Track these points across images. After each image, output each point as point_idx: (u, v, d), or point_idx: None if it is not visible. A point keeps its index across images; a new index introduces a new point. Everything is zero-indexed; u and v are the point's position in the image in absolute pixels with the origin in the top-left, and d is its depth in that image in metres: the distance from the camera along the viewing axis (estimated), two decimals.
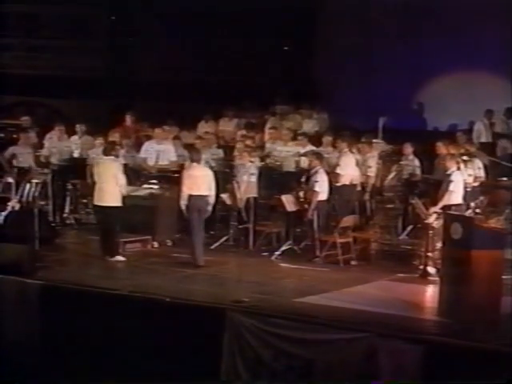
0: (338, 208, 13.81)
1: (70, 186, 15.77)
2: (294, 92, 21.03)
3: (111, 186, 12.93)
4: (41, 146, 16.28)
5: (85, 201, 15.85)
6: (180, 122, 17.31)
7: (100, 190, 13.01)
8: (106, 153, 13.36)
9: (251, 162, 14.22)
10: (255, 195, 14.13)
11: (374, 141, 15.98)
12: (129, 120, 17.39)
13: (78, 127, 16.69)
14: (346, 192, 14.05)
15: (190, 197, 12.65)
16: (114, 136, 15.31)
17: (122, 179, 13.06)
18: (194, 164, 13.02)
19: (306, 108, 19.61)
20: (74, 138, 16.62)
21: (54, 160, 15.98)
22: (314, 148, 15.06)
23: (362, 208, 14.41)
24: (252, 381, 10.14)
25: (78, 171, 15.68)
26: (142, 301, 10.83)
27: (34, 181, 14.17)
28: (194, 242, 12.77)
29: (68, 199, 15.77)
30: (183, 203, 12.73)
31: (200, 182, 12.75)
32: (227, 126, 18.88)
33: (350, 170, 14.19)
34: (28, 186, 13.97)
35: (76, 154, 16.33)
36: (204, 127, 18.16)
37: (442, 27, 21.23)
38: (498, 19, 20.49)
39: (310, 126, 18.87)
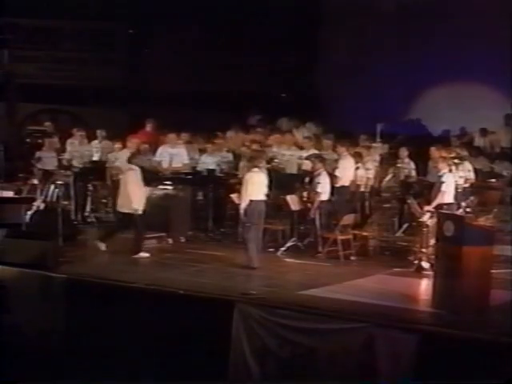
0: (339, 207, 13.76)
1: (90, 187, 15.78)
2: (295, 101, 21.03)
3: (135, 192, 12.84)
4: (63, 150, 16.31)
5: (104, 201, 15.90)
6: (194, 129, 17.31)
7: (124, 195, 12.91)
8: (130, 160, 13.26)
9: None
10: None
11: (374, 144, 15.96)
12: (149, 127, 17.36)
13: (99, 133, 16.73)
14: (346, 192, 14.03)
15: (251, 201, 12.25)
16: (133, 142, 15.23)
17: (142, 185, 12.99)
18: (256, 169, 12.56)
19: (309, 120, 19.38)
20: (95, 142, 16.66)
21: (75, 163, 16.01)
22: (316, 152, 15.03)
23: (362, 207, 14.38)
24: (259, 369, 10.11)
25: (98, 173, 15.70)
26: (157, 293, 10.81)
27: (58, 182, 14.16)
28: (251, 245, 12.25)
29: (89, 199, 15.78)
30: (244, 207, 12.26)
31: (260, 187, 12.42)
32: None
33: (349, 172, 14.16)
34: (52, 187, 13.96)
35: (96, 158, 16.35)
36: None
37: (437, 38, 21.17)
38: (490, 29, 20.42)
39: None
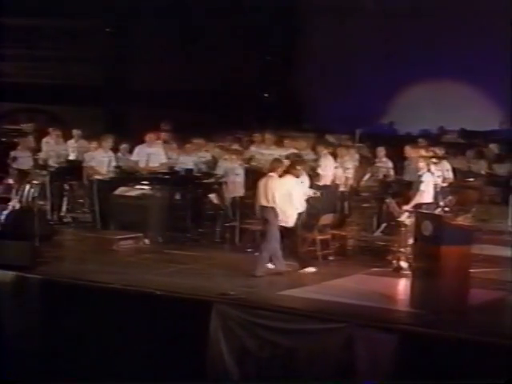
0: (320, 207, 13.76)
1: (67, 187, 15.72)
2: (278, 101, 21.07)
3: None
4: (39, 149, 16.25)
5: (81, 201, 15.84)
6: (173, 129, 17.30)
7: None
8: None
9: (239, 163, 14.22)
10: (242, 195, 14.12)
11: (358, 144, 16.02)
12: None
13: (75, 132, 16.69)
14: (325, 192, 14.04)
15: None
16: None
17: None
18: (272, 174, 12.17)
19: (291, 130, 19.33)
20: (71, 141, 16.62)
21: (51, 163, 15.94)
22: (295, 151, 15.04)
23: (340, 207, 14.42)
24: (238, 369, 10.11)
25: (74, 173, 15.63)
26: (134, 294, 10.78)
27: (34, 182, 14.08)
28: (272, 251, 11.90)
29: (65, 199, 15.72)
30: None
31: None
32: None
33: (329, 171, 14.18)
34: (28, 186, 13.87)
35: (72, 157, 16.31)
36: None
37: (417, 36, 21.27)
38: (469, 28, 20.54)
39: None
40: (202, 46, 22.63)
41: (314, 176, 13.76)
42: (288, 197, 11.87)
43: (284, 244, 12.05)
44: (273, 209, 11.83)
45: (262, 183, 12.03)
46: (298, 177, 12.14)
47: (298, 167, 12.21)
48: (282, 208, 11.82)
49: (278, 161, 12.51)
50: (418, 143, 15.79)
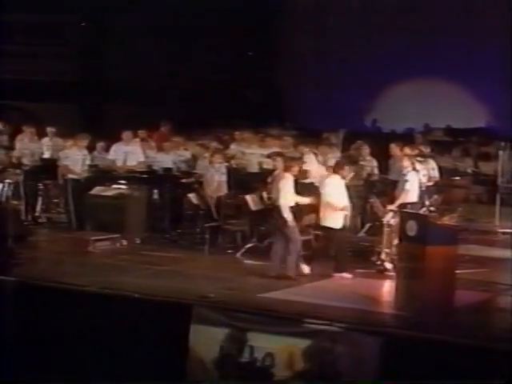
0: (304, 206, 13.74)
1: (41, 186, 15.64)
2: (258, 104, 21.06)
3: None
4: (12, 147, 16.15)
5: (56, 200, 15.76)
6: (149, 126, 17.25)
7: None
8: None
9: (221, 162, 14.22)
10: (223, 194, 14.12)
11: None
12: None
13: (49, 130, 16.60)
14: (308, 190, 14.01)
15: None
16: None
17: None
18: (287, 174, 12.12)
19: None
20: (45, 139, 16.52)
21: (25, 161, 15.84)
22: (278, 149, 15.03)
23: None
24: (217, 373, 10.10)
25: (49, 172, 15.54)
26: (111, 297, 10.73)
27: (7, 181, 13.99)
28: (294, 252, 11.86)
29: (40, 199, 15.63)
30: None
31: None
32: None
33: (312, 169, 14.18)
34: (1, 186, 13.80)
35: (47, 155, 16.21)
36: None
37: (400, 34, 21.36)
38: (452, 26, 20.65)
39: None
40: (182, 43, 22.59)
41: (302, 174, 13.76)
42: (335, 197, 11.79)
43: (323, 246, 12.15)
44: (292, 209, 11.81)
45: (281, 183, 11.92)
46: (344, 178, 12.11)
47: (347, 167, 12.21)
48: (325, 208, 11.80)
49: (294, 160, 12.56)
50: (412, 140, 15.80)
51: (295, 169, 12.08)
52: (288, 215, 11.76)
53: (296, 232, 11.84)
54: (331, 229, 11.95)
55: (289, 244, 11.79)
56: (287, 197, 11.83)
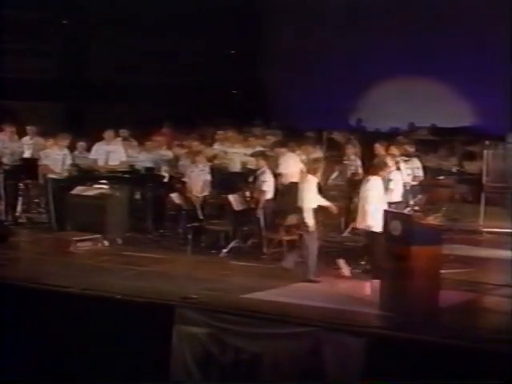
0: (286, 206, 13.78)
1: (22, 186, 15.59)
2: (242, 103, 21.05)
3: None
4: None
5: (37, 200, 15.72)
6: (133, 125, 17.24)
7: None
8: None
9: (204, 162, 14.25)
10: (208, 194, 14.16)
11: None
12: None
13: (29, 129, 16.55)
14: (290, 191, 14.04)
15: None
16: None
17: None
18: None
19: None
20: (26, 139, 16.47)
21: (5, 160, 15.78)
22: (261, 149, 15.06)
23: None
24: (201, 375, 10.11)
25: (29, 171, 15.49)
26: (93, 298, 10.71)
27: None
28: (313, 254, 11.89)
29: (20, 199, 15.58)
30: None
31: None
32: None
33: (291, 170, 14.19)
34: None
35: (27, 155, 16.16)
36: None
37: (386, 33, 21.43)
38: (438, 25, 20.73)
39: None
40: (166, 42, 22.58)
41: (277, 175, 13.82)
42: (375, 199, 11.60)
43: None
44: (314, 212, 11.76)
45: (305, 186, 11.87)
46: (384, 178, 12.03)
47: (386, 169, 12.09)
48: (365, 211, 11.62)
49: (318, 161, 12.51)
50: (394, 141, 15.84)
51: (318, 171, 12.08)
52: (310, 220, 11.71)
53: (314, 238, 11.76)
54: (373, 232, 11.54)
55: (303, 249, 11.77)
56: (311, 200, 11.78)
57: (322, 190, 12.62)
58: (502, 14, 19.99)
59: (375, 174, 11.81)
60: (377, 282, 10.86)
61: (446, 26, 20.80)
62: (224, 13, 22.56)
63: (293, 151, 14.63)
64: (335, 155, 16.04)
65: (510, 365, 8.52)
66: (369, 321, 10.03)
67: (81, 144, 15.89)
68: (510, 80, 19.22)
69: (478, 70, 20.37)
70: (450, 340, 9.09)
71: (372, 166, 12.15)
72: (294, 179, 14.10)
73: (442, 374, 8.79)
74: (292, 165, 14.26)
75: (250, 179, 13.70)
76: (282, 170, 14.07)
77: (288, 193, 13.97)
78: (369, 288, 11.36)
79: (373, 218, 11.40)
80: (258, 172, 13.55)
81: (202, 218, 13.80)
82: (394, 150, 13.76)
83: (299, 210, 11.91)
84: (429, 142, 18.66)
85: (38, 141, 16.31)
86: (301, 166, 14.31)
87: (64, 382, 10.48)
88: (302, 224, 11.80)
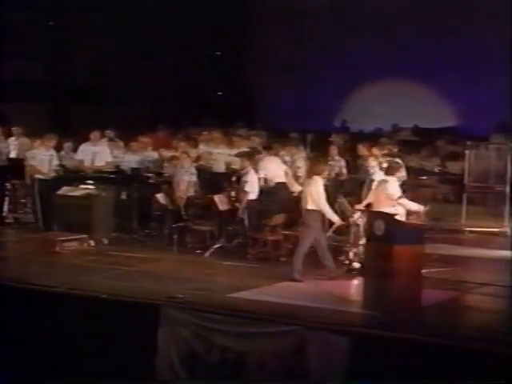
0: (271, 206, 13.83)
1: (8, 186, 15.59)
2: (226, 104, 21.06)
3: None
4: None
5: (23, 200, 15.72)
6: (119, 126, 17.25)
7: None
8: None
9: (190, 162, 14.28)
10: (193, 194, 14.18)
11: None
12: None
13: (14, 130, 16.56)
14: (275, 191, 14.10)
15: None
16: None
17: None
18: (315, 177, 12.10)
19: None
20: (12, 139, 16.49)
21: None
22: (245, 149, 15.10)
23: (292, 206, 14.46)
24: (186, 374, 10.15)
25: (16, 172, 15.50)
26: (79, 297, 10.73)
27: None
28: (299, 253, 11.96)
29: (7, 199, 15.59)
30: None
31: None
32: None
33: (278, 171, 14.22)
34: None
35: (13, 155, 16.18)
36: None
37: (369, 34, 21.50)
38: (420, 26, 20.82)
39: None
40: (150, 43, 22.59)
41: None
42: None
43: None
44: (316, 212, 11.83)
45: (314, 188, 11.85)
46: (400, 179, 12.09)
47: (401, 170, 12.18)
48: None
49: (323, 162, 12.54)
50: (378, 142, 15.93)
51: (325, 172, 12.15)
52: (333, 216, 11.89)
53: (312, 235, 11.82)
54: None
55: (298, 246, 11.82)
56: (324, 200, 11.80)
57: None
58: (484, 14, 20.14)
59: (391, 174, 11.72)
60: (360, 281, 10.94)
61: (428, 27, 20.88)
62: (209, 14, 22.60)
63: (276, 153, 14.63)
64: (319, 156, 16.09)
65: (510, 365, 8.58)
66: (353, 320, 10.09)
67: (67, 145, 15.94)
68: (492, 81, 19.36)
69: (461, 70, 20.49)
70: (433, 338, 9.15)
71: (388, 167, 12.01)
72: (279, 180, 14.20)
73: (426, 373, 8.86)
74: (273, 167, 14.24)
75: (233, 179, 13.75)
76: (261, 175, 14.01)
77: (273, 193, 14.04)
78: (353, 287, 11.44)
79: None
80: (242, 172, 13.59)
81: (185, 218, 13.83)
82: (377, 151, 13.84)
83: (289, 211, 11.88)
84: (411, 143, 18.76)
85: (23, 141, 16.32)
86: (284, 167, 14.37)
87: (49, 381, 10.48)
88: (302, 222, 11.87)
